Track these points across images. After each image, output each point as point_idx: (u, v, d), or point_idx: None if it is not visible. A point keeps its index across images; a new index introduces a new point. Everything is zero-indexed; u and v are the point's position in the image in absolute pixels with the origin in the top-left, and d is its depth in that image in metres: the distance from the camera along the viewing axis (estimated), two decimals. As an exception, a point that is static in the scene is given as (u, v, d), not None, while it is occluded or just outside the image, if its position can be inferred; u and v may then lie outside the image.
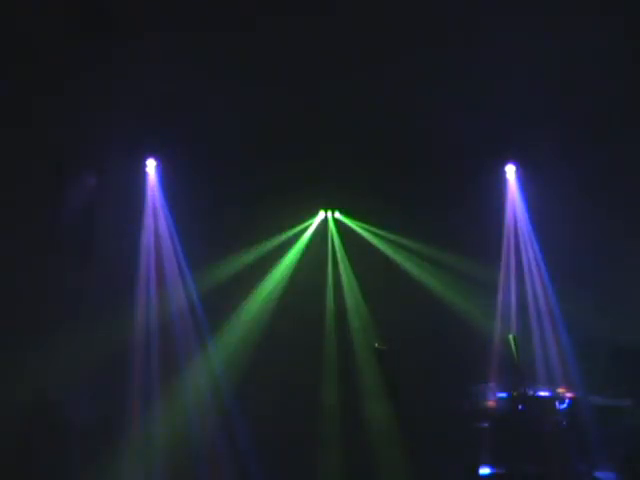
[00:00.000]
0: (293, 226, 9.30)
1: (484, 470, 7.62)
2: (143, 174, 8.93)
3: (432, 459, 8.09)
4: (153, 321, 8.64)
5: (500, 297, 9.08)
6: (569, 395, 7.91)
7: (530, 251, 9.11)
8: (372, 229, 9.41)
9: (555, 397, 8.01)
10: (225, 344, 8.78)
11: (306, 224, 9.40)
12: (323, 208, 9.50)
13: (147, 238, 8.81)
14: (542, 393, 8.11)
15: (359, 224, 9.44)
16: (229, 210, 8.87)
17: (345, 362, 9.04)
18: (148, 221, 8.87)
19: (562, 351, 8.43)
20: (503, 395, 8.13)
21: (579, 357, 8.18)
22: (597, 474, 7.40)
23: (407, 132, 8.76)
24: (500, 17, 6.32)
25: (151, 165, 8.97)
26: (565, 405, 7.82)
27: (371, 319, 9.16)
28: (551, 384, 8.23)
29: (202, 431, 8.39)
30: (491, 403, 8.18)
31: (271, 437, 8.30)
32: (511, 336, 8.80)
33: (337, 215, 9.53)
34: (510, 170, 9.34)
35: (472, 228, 8.82)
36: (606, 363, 7.92)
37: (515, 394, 8.08)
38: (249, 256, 9.01)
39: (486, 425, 7.98)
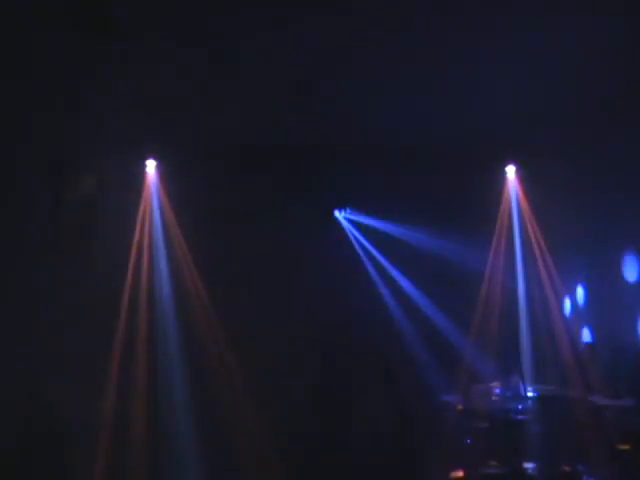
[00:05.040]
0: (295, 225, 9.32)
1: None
2: (143, 174, 8.94)
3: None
4: (154, 320, 8.66)
5: (500, 297, 9.10)
6: (569, 395, 7.93)
7: (530, 251, 9.14)
8: (372, 229, 9.47)
9: (554, 397, 8.02)
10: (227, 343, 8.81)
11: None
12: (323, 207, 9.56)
13: (147, 238, 8.82)
14: (542, 393, 8.13)
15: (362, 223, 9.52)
16: (230, 210, 8.89)
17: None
18: (148, 221, 8.88)
19: (563, 351, 8.44)
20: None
21: (579, 357, 8.19)
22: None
23: (407, 132, 8.77)
24: (500, 16, 6.32)
25: (151, 165, 8.98)
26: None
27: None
28: (551, 384, 8.25)
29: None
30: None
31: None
32: (510, 336, 8.83)
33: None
34: (510, 170, 9.36)
35: (472, 228, 8.85)
36: (607, 362, 7.93)
37: (515, 394, 8.10)
38: (251, 254, 9.03)
39: (486, 425, 7.99)
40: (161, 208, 8.95)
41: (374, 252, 9.54)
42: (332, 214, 9.64)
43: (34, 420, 7.17)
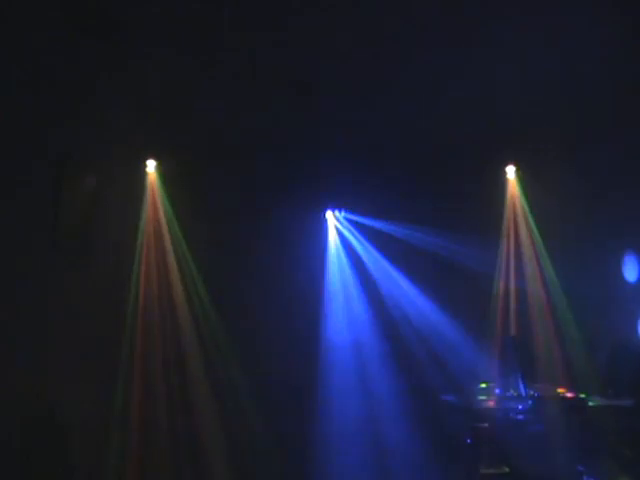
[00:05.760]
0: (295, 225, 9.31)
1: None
2: (143, 174, 8.93)
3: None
4: (154, 320, 8.66)
5: (500, 297, 9.11)
6: (569, 395, 7.93)
7: (530, 252, 9.14)
8: (372, 229, 9.47)
9: (554, 397, 8.01)
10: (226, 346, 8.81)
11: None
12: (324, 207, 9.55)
13: (147, 238, 8.82)
14: (542, 393, 8.13)
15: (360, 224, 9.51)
16: (230, 210, 8.88)
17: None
18: (148, 221, 8.88)
19: (563, 351, 8.44)
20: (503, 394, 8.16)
21: (580, 357, 8.20)
22: None
23: (407, 132, 8.77)
24: (500, 17, 6.33)
25: (151, 165, 8.97)
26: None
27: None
28: (551, 384, 8.25)
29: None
30: (491, 403, 8.19)
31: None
32: (510, 335, 8.84)
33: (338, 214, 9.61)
34: (510, 170, 9.36)
35: (471, 229, 8.85)
36: (606, 363, 7.93)
37: (515, 394, 8.10)
38: (250, 255, 9.02)
39: (486, 425, 7.99)
40: (161, 208, 8.94)
41: (373, 252, 9.53)
42: (332, 214, 9.63)
43: (34, 421, 7.18)
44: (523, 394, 8.01)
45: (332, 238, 9.58)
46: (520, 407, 7.93)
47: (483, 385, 8.36)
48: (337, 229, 9.60)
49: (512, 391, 8.15)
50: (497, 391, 8.26)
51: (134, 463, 8.00)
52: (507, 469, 7.65)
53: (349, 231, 9.60)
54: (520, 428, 7.79)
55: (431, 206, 9.08)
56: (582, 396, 7.76)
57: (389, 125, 8.68)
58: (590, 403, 7.61)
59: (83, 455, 7.63)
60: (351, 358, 9.18)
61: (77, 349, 7.62)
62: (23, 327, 7.09)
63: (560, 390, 8.05)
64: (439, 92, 7.84)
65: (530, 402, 7.93)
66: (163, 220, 8.91)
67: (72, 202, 7.39)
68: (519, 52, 6.91)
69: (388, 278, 9.41)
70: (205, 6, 6.15)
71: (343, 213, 9.61)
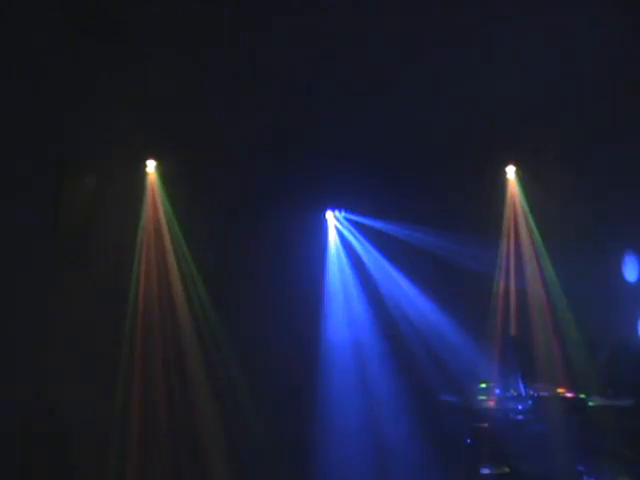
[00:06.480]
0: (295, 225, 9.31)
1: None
2: (143, 174, 8.94)
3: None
4: (154, 321, 8.66)
5: (500, 297, 9.11)
6: (569, 395, 7.93)
7: (530, 252, 9.14)
8: (372, 229, 9.47)
9: (554, 397, 8.02)
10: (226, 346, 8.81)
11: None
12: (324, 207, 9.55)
13: (147, 238, 8.82)
14: (542, 393, 8.13)
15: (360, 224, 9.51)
16: (230, 210, 8.89)
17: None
18: (148, 221, 8.88)
19: (563, 351, 8.45)
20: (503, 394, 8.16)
21: (580, 357, 8.20)
22: None
23: (407, 132, 8.78)
24: (500, 17, 6.34)
25: (151, 165, 8.97)
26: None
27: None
28: (551, 384, 8.25)
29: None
30: (491, 403, 8.19)
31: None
32: (510, 335, 8.84)
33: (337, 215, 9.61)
34: (510, 170, 9.36)
35: (471, 229, 8.85)
36: (606, 363, 7.93)
37: (515, 394, 8.10)
38: (250, 255, 9.02)
39: (486, 425, 7.99)
40: (161, 208, 8.94)
41: (373, 252, 9.54)
42: (332, 214, 9.63)
43: (34, 421, 7.19)
44: (523, 394, 8.01)
45: (332, 238, 9.57)
46: (520, 407, 7.93)
47: (483, 385, 8.35)
48: (337, 229, 9.60)
49: (512, 391, 8.15)
50: (497, 391, 8.25)
51: (134, 463, 8.01)
52: (507, 469, 7.65)
53: (349, 231, 9.60)
54: (520, 428, 7.78)
55: (431, 206, 9.07)
56: (582, 396, 7.76)
57: (389, 125, 8.68)
58: (590, 403, 7.61)
59: (83, 455, 7.64)
60: (351, 358, 9.17)
61: (77, 349, 7.62)
62: (23, 327, 7.10)
63: (560, 390, 8.04)
64: (439, 92, 7.84)
65: (530, 402, 7.93)
66: (163, 220, 8.90)
67: (72, 202, 7.40)
68: (519, 52, 6.90)
69: (388, 278, 9.40)
70: (205, 6, 6.15)
71: (343, 213, 9.61)
